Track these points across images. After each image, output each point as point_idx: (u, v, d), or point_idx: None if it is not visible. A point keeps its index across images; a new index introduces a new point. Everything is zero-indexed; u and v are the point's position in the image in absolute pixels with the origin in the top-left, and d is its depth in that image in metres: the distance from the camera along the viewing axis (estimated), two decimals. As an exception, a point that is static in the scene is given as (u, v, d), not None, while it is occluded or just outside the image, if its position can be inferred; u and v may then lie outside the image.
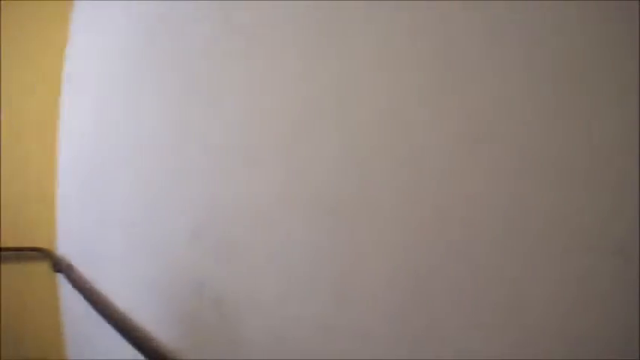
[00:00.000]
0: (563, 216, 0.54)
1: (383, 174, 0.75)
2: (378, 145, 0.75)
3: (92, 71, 2.03)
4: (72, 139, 2.30)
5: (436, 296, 0.66)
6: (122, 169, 1.65)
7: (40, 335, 2.42)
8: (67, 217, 2.33)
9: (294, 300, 0.91)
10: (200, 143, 1.22)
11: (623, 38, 0.49)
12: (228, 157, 1.11)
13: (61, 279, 2.23)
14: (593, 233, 0.51)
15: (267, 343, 0.97)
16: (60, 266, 2.18)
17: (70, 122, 2.34)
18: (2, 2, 2.28)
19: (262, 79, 1.02)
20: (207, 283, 1.17)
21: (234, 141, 1.10)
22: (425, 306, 0.68)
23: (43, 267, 2.31)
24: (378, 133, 0.76)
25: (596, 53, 0.51)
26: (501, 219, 0.59)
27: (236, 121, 1.09)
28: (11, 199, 2.39)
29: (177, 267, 1.29)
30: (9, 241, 2.36)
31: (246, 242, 1.05)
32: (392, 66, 0.73)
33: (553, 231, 0.55)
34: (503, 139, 0.59)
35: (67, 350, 2.35)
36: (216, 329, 1.14)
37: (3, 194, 2.37)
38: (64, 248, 2.36)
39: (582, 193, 0.52)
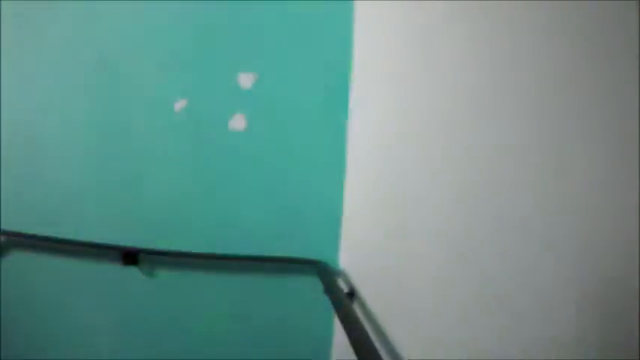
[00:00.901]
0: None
1: None
2: None
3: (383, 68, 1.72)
4: (360, 132, 2.06)
5: None
6: (429, 171, 1.30)
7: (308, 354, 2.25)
8: (353, 226, 2.10)
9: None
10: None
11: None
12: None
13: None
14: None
15: None
16: (330, 288, 1.91)
17: (359, 114, 2.10)
18: None
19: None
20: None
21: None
22: None
23: (317, 281, 2.09)
24: None
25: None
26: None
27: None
28: (289, 204, 2.27)
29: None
30: (287, 250, 2.25)
31: None
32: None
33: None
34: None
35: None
36: None
37: (280, 198, 2.27)
38: (347, 262, 2.12)
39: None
